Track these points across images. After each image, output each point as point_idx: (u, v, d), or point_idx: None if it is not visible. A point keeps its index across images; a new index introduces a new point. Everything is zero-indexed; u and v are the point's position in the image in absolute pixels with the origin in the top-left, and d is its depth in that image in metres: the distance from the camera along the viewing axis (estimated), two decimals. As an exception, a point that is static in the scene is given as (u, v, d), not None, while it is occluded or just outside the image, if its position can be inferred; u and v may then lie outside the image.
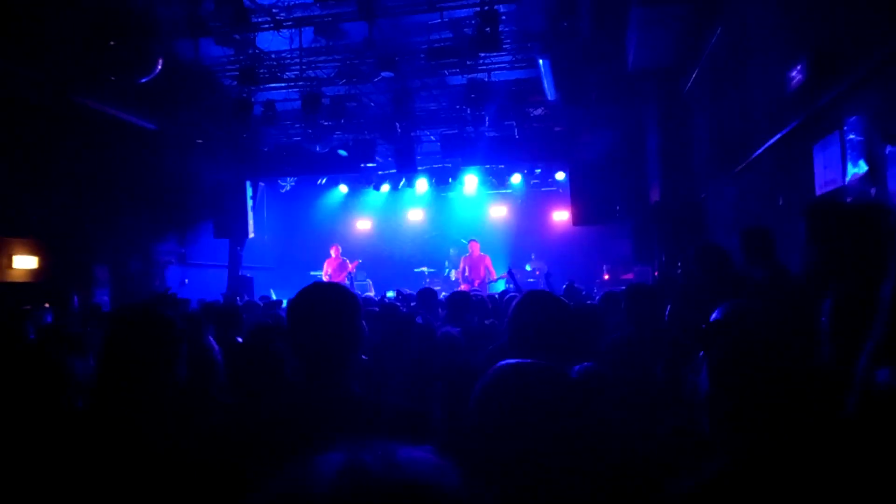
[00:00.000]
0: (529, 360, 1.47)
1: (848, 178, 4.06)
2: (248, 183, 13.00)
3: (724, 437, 1.69)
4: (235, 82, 9.33)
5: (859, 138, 3.94)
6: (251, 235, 13.05)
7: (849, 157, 4.07)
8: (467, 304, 4.47)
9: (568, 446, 1.35)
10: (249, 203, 12.93)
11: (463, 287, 12.14)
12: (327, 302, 1.78)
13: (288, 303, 2.05)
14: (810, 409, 1.99)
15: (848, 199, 3.98)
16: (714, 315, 2.70)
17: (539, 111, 11.58)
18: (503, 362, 1.46)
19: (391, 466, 0.60)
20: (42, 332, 3.92)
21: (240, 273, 12.99)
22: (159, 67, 6.39)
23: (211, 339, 2.66)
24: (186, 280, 11.95)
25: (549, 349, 1.91)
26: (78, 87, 8.48)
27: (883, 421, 1.87)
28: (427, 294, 5.29)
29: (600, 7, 7.37)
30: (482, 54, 8.53)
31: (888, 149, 3.57)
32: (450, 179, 16.31)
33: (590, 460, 1.46)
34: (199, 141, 11.88)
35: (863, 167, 3.88)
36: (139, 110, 10.08)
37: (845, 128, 4.09)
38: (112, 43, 5.80)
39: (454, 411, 2.23)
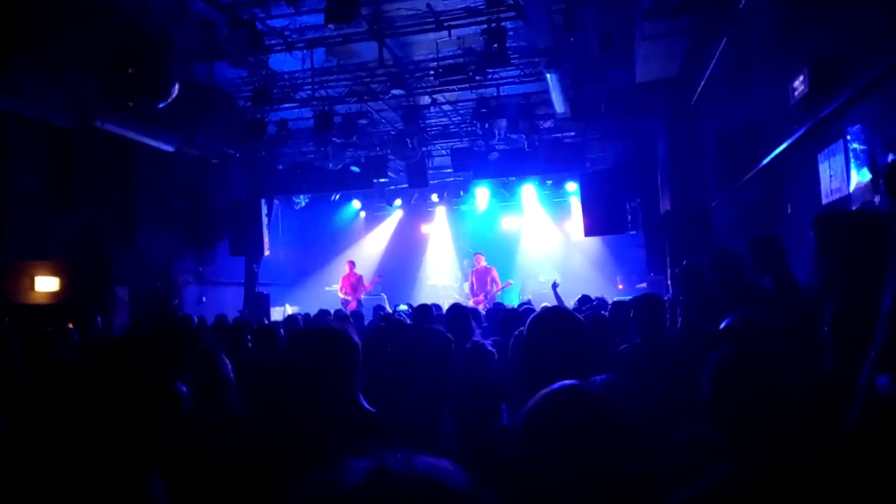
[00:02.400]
0: (574, 384, 1.44)
1: (852, 187, 4.11)
2: (262, 201, 13.19)
3: (725, 444, 1.75)
4: (249, 103, 9.53)
5: (862, 147, 3.99)
6: (267, 253, 13.23)
7: (853, 165, 4.12)
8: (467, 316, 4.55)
9: (604, 466, 1.36)
10: (265, 221, 13.11)
11: (473, 300, 12.22)
12: (322, 358, 1.99)
13: (289, 341, 2.26)
14: (811, 418, 2.04)
15: (853, 208, 4.03)
16: (724, 324, 2.76)
17: (549, 123, 11.68)
18: (554, 387, 1.43)
19: (412, 468, 0.70)
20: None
21: (256, 290, 13.16)
22: (176, 92, 6.56)
23: (223, 356, 2.76)
24: (204, 298, 12.13)
25: (562, 366, 1.98)
26: (99, 111, 8.72)
27: (884, 429, 1.91)
28: (423, 311, 5.39)
29: (606, 22, 7.48)
30: (491, 70, 8.67)
31: (890, 157, 3.62)
32: (461, 193, 16.46)
33: (617, 475, 1.48)
34: (215, 161, 12.09)
35: (866, 175, 3.93)
36: (157, 132, 10.31)
37: (848, 137, 4.15)
38: (131, 70, 5.98)
39: (467, 427, 2.29)
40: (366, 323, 7.32)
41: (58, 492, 1.58)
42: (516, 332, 3.12)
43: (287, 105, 10.00)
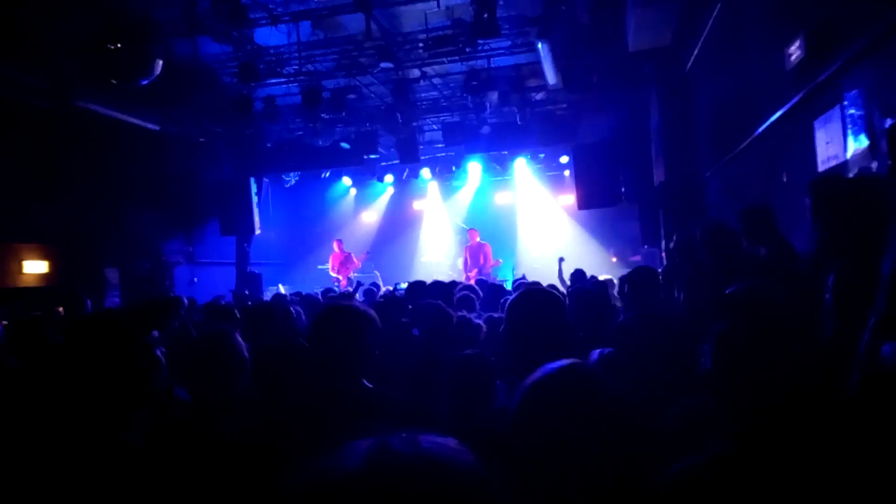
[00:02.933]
0: (568, 364, 1.42)
1: (849, 154, 4.05)
2: (252, 179, 13.04)
3: (727, 414, 1.72)
4: (235, 79, 9.35)
5: (859, 112, 3.93)
6: (258, 232, 13.12)
7: (849, 131, 4.06)
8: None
9: (600, 442, 1.34)
10: (255, 199, 12.98)
11: (466, 276, 12.20)
12: (342, 324, 2.06)
13: (310, 322, 2.27)
14: (813, 385, 2.00)
15: (850, 174, 3.97)
16: (727, 292, 2.73)
17: (541, 95, 11.53)
18: (549, 368, 1.41)
19: (415, 447, 0.68)
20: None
21: (248, 269, 13.07)
22: (159, 69, 6.41)
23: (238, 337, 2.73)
24: (196, 279, 12.04)
25: (546, 346, 1.94)
26: (81, 91, 8.53)
27: (886, 395, 1.88)
28: (416, 287, 5.38)
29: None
30: (481, 41, 8.51)
31: (888, 122, 3.56)
32: (453, 168, 16.31)
33: (612, 455, 1.45)
34: (202, 139, 11.92)
35: (864, 141, 3.87)
36: (141, 112, 10.12)
37: (845, 103, 4.08)
38: (112, 47, 5.82)
39: (462, 405, 2.25)
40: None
41: (45, 460, 1.59)
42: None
43: (274, 80, 9.82)
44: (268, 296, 11.98)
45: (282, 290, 12.95)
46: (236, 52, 9.11)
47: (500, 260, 13.65)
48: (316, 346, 2.10)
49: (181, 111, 10.36)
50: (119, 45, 6.03)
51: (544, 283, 7.50)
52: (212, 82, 9.78)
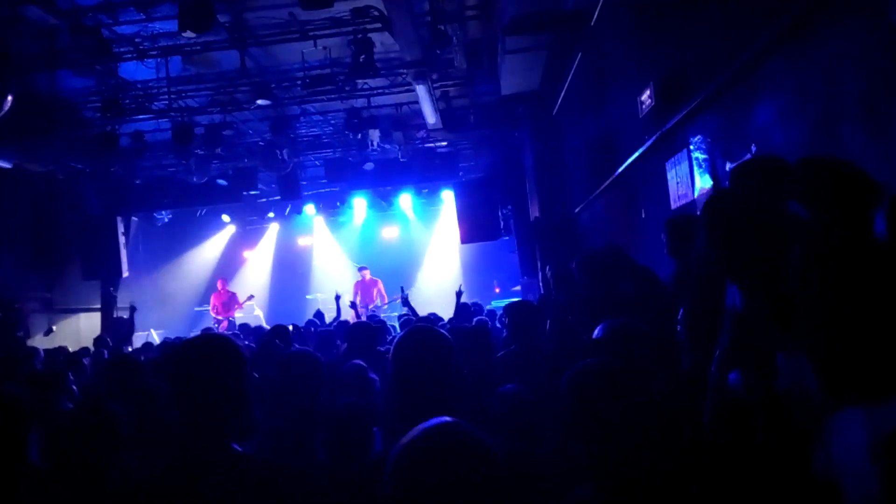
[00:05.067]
0: (448, 424, 1.28)
1: (697, 193, 4.45)
2: (119, 218, 12.23)
3: (586, 460, 1.77)
4: (99, 114, 8.81)
5: (704, 156, 4.34)
6: (125, 274, 12.26)
7: (696, 172, 4.47)
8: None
9: None
10: (122, 240, 12.15)
11: (354, 313, 12.05)
12: (210, 360, 1.76)
13: (168, 357, 1.97)
14: (671, 420, 2.12)
15: (698, 212, 4.35)
16: (596, 332, 2.85)
17: (422, 133, 11.78)
18: (427, 427, 1.29)
19: None
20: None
21: (115, 315, 12.17)
22: (9, 104, 5.94)
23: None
24: (54, 327, 11.04)
25: (434, 393, 1.93)
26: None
27: (734, 422, 2.04)
28: (278, 332, 5.26)
29: (471, 36, 7.66)
30: (360, 81, 8.58)
31: (728, 165, 3.95)
32: (338, 203, 16.20)
33: None
34: (61, 177, 11.07)
35: (708, 182, 4.27)
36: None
37: (691, 147, 4.49)
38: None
39: (336, 457, 2.21)
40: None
41: None
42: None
43: (142, 116, 9.34)
44: (138, 342, 11.20)
45: (154, 336, 12.16)
46: (99, 86, 8.60)
47: (397, 296, 13.56)
48: (178, 387, 1.75)
49: (37, 147, 9.60)
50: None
51: (439, 314, 7.58)
52: (73, 117, 9.16)
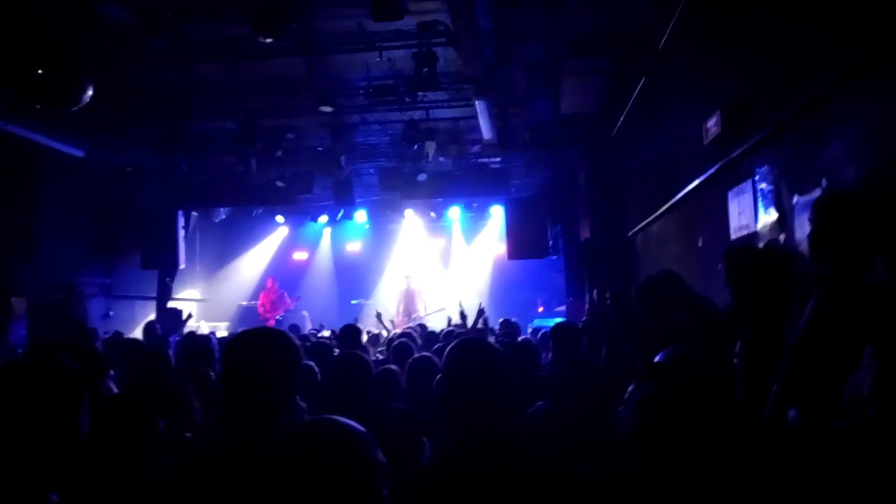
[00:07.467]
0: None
1: (759, 225, 4.36)
2: (179, 213, 12.67)
3: (646, 473, 1.77)
4: (169, 111, 9.16)
5: (770, 187, 4.25)
6: (182, 266, 12.68)
7: (760, 204, 4.38)
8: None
9: None
10: (181, 233, 12.58)
11: (400, 321, 12.15)
12: (265, 351, 1.78)
13: (224, 347, 2.02)
14: (726, 448, 2.10)
15: (760, 244, 4.26)
16: (658, 357, 2.83)
17: (476, 148, 11.84)
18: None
19: None
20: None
21: (169, 305, 12.57)
22: (88, 96, 6.22)
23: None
24: (111, 312, 11.47)
25: (486, 404, 1.93)
26: (6, 114, 8.16)
27: (790, 456, 1.99)
28: (348, 332, 5.32)
29: (533, 56, 7.69)
30: (420, 93, 8.70)
31: (795, 198, 3.86)
32: (388, 212, 16.37)
33: None
34: (129, 169, 11.54)
35: (773, 214, 4.17)
36: (67, 137, 9.75)
37: (756, 177, 4.40)
38: (40, 72, 5.63)
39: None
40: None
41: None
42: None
43: (209, 115, 9.68)
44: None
45: (204, 327, 12.48)
46: (171, 83, 8.94)
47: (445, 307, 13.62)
48: (230, 376, 1.80)
49: (110, 139, 10.03)
50: (47, 70, 5.83)
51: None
52: (146, 112, 9.54)
